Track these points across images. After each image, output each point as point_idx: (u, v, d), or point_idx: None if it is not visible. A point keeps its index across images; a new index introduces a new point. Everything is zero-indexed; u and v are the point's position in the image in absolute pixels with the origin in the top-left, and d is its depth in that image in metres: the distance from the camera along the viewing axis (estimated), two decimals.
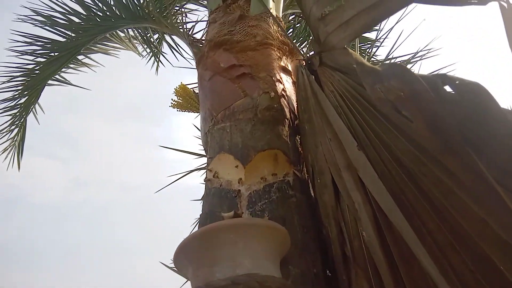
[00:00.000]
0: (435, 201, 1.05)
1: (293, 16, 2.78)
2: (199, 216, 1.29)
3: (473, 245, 0.97)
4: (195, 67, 1.71)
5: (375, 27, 2.50)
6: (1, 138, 3.02)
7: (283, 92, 1.45)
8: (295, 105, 1.50)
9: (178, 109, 1.84)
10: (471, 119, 0.86)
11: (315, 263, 1.13)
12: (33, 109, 3.06)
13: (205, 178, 1.36)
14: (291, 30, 2.86)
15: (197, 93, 1.69)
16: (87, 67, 3.12)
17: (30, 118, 3.07)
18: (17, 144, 3.11)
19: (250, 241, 0.77)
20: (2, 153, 3.07)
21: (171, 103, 1.84)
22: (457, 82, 0.89)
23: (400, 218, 1.01)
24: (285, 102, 1.44)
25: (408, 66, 2.75)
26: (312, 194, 1.36)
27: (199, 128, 1.56)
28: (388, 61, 2.49)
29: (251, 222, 0.79)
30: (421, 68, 2.95)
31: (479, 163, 0.84)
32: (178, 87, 1.81)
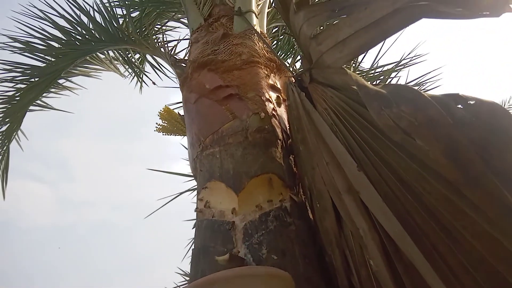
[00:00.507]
0: (443, 220, 0.98)
1: (276, 29, 2.73)
2: (191, 251, 1.19)
3: (488, 266, 0.91)
4: (179, 86, 1.63)
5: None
6: None
7: (273, 112, 1.37)
8: (287, 124, 1.43)
9: (164, 133, 1.75)
10: (491, 143, 0.79)
11: None
12: (16, 136, 2.97)
13: (196, 208, 1.27)
14: (274, 43, 2.81)
15: (183, 115, 1.61)
16: (69, 90, 3.06)
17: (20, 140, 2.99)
18: (0, 173, 3.00)
19: None
20: None
21: (156, 127, 1.75)
22: (471, 102, 0.83)
23: (409, 244, 0.93)
24: (276, 122, 1.36)
25: (393, 74, 2.73)
26: (311, 217, 1.28)
27: (187, 148, 1.48)
28: (391, 83, 2.43)
29: (250, 272, 0.69)
30: (408, 75, 2.94)
31: (508, 196, 0.76)
32: (162, 110, 1.73)
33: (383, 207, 1.00)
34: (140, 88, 3.14)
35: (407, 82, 2.58)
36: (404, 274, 0.94)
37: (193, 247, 1.19)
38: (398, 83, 2.51)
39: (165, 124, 1.74)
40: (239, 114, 1.32)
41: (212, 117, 1.36)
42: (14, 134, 2.94)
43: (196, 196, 1.32)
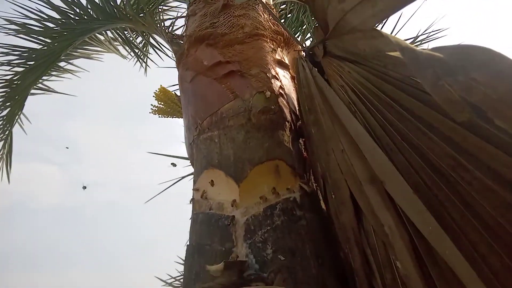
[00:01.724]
0: (485, 216, 0.81)
1: (284, 5, 2.53)
2: (186, 247, 1.04)
3: None
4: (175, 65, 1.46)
5: None
6: None
7: (280, 90, 1.20)
8: (296, 104, 1.26)
9: (160, 116, 1.59)
10: None
11: None
12: (19, 120, 2.90)
13: (192, 199, 1.11)
14: (282, 21, 2.62)
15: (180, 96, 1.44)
16: (71, 73, 2.98)
17: (23, 124, 2.92)
18: (4, 157, 2.95)
19: None
20: None
21: (151, 109, 1.59)
22: None
23: (447, 244, 0.76)
24: (284, 102, 1.19)
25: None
26: (324, 208, 1.11)
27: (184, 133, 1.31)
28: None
29: None
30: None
31: None
32: (158, 90, 1.57)
33: (413, 200, 0.83)
34: (145, 71, 3.02)
35: None
36: (439, 280, 0.78)
37: (187, 242, 1.03)
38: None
39: (161, 106, 1.58)
40: (241, 93, 1.15)
41: (210, 97, 1.19)
42: (16, 118, 2.87)
43: (192, 185, 1.16)
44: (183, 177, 2.50)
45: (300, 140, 1.20)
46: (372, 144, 0.94)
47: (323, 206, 1.11)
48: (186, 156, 1.31)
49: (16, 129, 2.90)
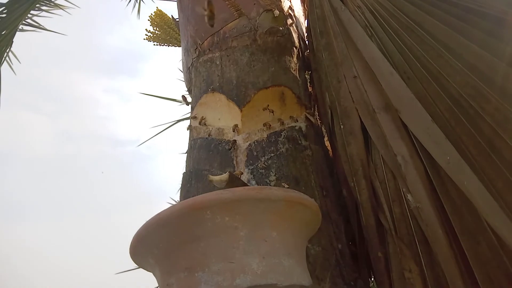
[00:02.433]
0: (504, 150, 0.76)
1: None
2: (182, 175, 0.98)
3: None
4: None
5: None
6: None
7: (290, 11, 1.08)
8: (305, 31, 1.15)
9: (155, 43, 1.47)
10: None
11: (338, 237, 0.84)
12: (7, 58, 2.72)
13: (189, 126, 1.04)
14: None
15: (178, 20, 1.32)
16: (61, 8, 2.76)
17: (8, 71, 2.73)
18: None
19: (260, 227, 0.46)
20: None
21: (146, 35, 1.46)
22: None
23: (467, 174, 0.71)
24: (293, 25, 1.08)
25: None
26: (328, 145, 1.05)
27: (181, 58, 1.21)
28: None
29: (260, 196, 0.46)
30: None
31: None
32: (153, 13, 1.43)
33: (432, 128, 0.77)
34: (138, 11, 2.81)
35: None
36: (452, 214, 0.74)
37: (183, 170, 0.97)
38: None
39: (156, 32, 1.45)
40: (246, 10, 1.03)
41: None
42: (5, 56, 2.68)
43: (190, 114, 1.08)
44: (179, 120, 2.41)
45: (307, 73, 1.11)
46: (389, 70, 0.86)
47: (326, 143, 1.05)
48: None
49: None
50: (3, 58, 2.70)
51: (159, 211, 0.46)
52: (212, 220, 0.44)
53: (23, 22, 2.63)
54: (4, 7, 2.45)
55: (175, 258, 0.45)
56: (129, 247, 0.50)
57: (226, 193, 0.45)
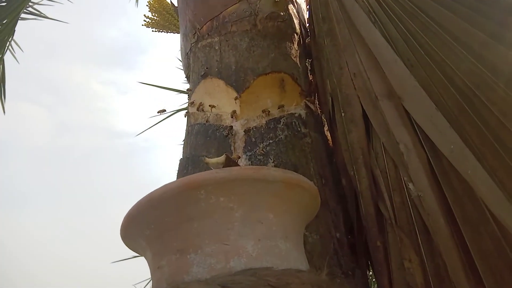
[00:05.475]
0: (507, 141, 0.74)
1: None
2: (178, 161, 0.96)
3: None
4: None
5: None
6: None
7: None
8: (306, 18, 1.13)
9: (154, 29, 1.44)
10: None
11: (337, 225, 0.83)
12: (10, 47, 2.69)
13: (187, 112, 1.02)
14: None
15: (177, 6, 1.29)
16: None
17: (10, 62, 2.70)
18: None
19: (256, 208, 0.45)
20: None
21: (144, 20, 1.44)
22: None
23: (471, 162, 0.69)
24: (294, 10, 1.06)
25: None
26: (327, 134, 1.04)
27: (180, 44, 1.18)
28: None
29: (257, 176, 0.44)
30: None
31: None
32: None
33: (435, 116, 0.75)
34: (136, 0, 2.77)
35: None
36: (454, 203, 0.72)
37: (180, 157, 0.95)
38: None
39: (155, 18, 1.43)
40: None
41: None
42: (7, 44, 2.65)
43: (187, 101, 1.06)
44: (177, 111, 2.39)
45: (307, 61, 1.09)
46: (393, 57, 0.84)
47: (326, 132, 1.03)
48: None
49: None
50: (6, 48, 2.67)
51: (151, 190, 0.44)
52: (206, 200, 0.43)
53: (24, 10, 2.60)
54: None
55: (167, 239, 0.43)
56: (120, 228, 0.48)
57: (222, 172, 0.43)
